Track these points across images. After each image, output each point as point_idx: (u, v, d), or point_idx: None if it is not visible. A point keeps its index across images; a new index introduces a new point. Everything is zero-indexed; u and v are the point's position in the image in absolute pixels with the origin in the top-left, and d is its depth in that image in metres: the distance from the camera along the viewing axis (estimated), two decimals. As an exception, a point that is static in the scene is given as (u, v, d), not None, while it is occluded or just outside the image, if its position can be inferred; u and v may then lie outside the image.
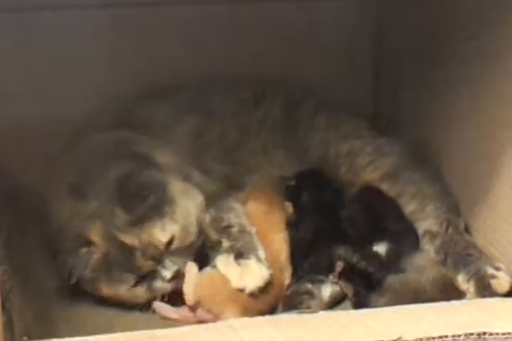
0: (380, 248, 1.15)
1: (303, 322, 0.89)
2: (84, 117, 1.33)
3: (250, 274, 1.09)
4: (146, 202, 1.10)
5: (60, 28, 1.32)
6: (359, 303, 1.09)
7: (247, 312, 1.05)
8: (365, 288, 1.10)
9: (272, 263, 1.11)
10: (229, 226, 1.15)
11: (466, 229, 1.19)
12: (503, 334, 0.84)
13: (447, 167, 1.26)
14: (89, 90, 1.37)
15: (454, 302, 0.98)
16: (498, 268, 1.09)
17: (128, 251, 1.09)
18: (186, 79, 1.36)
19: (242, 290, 1.07)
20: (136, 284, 1.11)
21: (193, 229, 1.14)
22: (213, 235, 1.15)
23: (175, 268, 1.11)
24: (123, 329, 0.89)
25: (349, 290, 1.12)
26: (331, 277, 1.13)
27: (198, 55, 1.40)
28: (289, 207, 1.23)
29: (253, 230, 1.15)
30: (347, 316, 0.92)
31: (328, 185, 1.27)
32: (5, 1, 1.27)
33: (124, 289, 1.11)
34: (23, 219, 1.19)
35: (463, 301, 1.05)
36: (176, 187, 1.15)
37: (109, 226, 1.10)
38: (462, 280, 1.10)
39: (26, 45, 1.32)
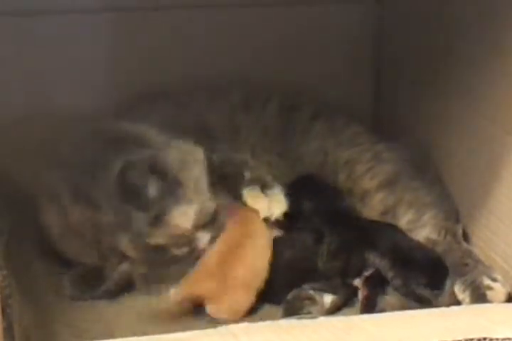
0: None
1: (303, 327, 0.89)
2: (85, 118, 1.33)
3: None
4: (154, 191, 1.08)
5: (59, 31, 1.33)
6: (368, 305, 1.10)
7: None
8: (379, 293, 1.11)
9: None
10: None
11: (466, 234, 1.20)
12: (504, 339, 0.84)
13: (447, 170, 1.26)
14: (89, 91, 1.38)
15: (454, 308, 0.98)
16: (494, 280, 1.09)
17: (162, 250, 1.09)
18: (185, 81, 1.36)
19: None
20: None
21: (209, 201, 1.13)
22: None
23: (208, 236, 1.11)
24: (123, 335, 0.89)
25: (363, 294, 1.11)
26: (357, 280, 1.13)
27: (197, 56, 1.40)
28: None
29: None
30: (347, 321, 0.91)
31: (330, 189, 1.25)
32: (6, 4, 1.27)
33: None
34: (23, 223, 1.19)
35: (462, 306, 1.06)
36: (174, 157, 1.12)
37: (135, 235, 1.08)
38: (458, 290, 1.09)
39: (27, 48, 1.33)
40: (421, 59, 1.34)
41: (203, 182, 1.14)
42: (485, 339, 0.84)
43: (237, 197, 1.16)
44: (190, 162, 1.14)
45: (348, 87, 1.48)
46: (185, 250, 1.11)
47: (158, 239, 1.08)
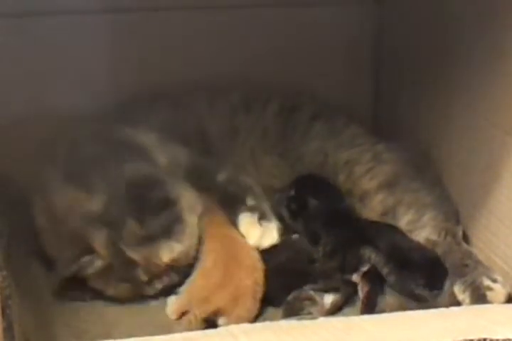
0: None
1: (303, 328, 0.89)
2: (85, 118, 1.33)
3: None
4: (160, 219, 1.10)
5: (59, 31, 1.33)
6: (369, 304, 1.10)
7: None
8: (379, 291, 1.11)
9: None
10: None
11: (466, 235, 1.20)
12: (503, 340, 0.84)
13: (447, 170, 1.26)
14: (89, 91, 1.37)
15: (454, 308, 0.99)
16: (494, 280, 1.09)
17: (131, 265, 1.10)
18: (185, 81, 1.36)
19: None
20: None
21: (193, 251, 1.13)
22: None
23: (167, 281, 1.12)
24: (122, 336, 0.89)
25: (364, 291, 1.11)
26: (354, 276, 1.13)
27: (197, 57, 1.40)
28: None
29: None
30: (347, 322, 0.92)
31: (331, 188, 1.25)
32: (6, 5, 1.27)
33: (116, 292, 1.12)
34: (23, 224, 1.19)
35: (462, 307, 1.05)
36: (185, 201, 1.15)
37: (116, 238, 1.09)
38: (458, 291, 1.09)
39: (27, 48, 1.32)
40: (421, 59, 1.34)
41: (196, 232, 1.14)
42: (485, 339, 0.84)
43: (232, 219, 1.17)
44: (194, 210, 1.16)
45: (348, 87, 1.48)
46: (145, 278, 1.11)
47: (134, 255, 1.09)
